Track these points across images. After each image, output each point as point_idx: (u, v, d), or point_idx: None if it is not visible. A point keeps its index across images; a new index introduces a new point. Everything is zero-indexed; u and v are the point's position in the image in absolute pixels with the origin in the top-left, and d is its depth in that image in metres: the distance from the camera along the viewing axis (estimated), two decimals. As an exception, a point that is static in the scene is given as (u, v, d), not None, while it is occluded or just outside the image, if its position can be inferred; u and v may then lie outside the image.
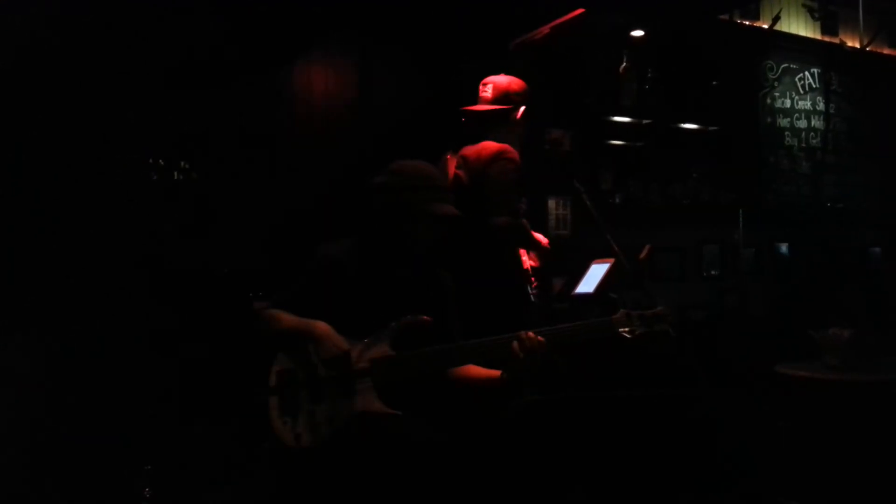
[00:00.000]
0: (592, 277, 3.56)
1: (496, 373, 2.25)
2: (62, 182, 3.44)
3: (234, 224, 3.83)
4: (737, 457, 3.39)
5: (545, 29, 4.20)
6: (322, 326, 2.19)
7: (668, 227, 4.79)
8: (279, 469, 2.23)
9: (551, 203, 4.27)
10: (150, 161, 3.39)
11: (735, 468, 3.36)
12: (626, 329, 2.17)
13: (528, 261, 3.26)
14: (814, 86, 5.66)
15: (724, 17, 5.19)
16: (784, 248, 5.36)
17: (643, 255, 3.49)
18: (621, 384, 3.42)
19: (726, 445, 3.41)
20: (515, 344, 2.15)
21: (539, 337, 2.15)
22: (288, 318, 2.23)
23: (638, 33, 4.63)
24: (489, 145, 2.91)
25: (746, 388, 3.86)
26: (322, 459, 2.15)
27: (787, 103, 5.49)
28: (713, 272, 5.00)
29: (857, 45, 6.01)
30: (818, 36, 5.86)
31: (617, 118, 4.68)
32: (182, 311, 3.53)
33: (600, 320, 2.20)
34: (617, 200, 4.59)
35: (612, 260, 3.40)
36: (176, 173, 3.44)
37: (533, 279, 3.24)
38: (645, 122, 4.78)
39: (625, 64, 4.59)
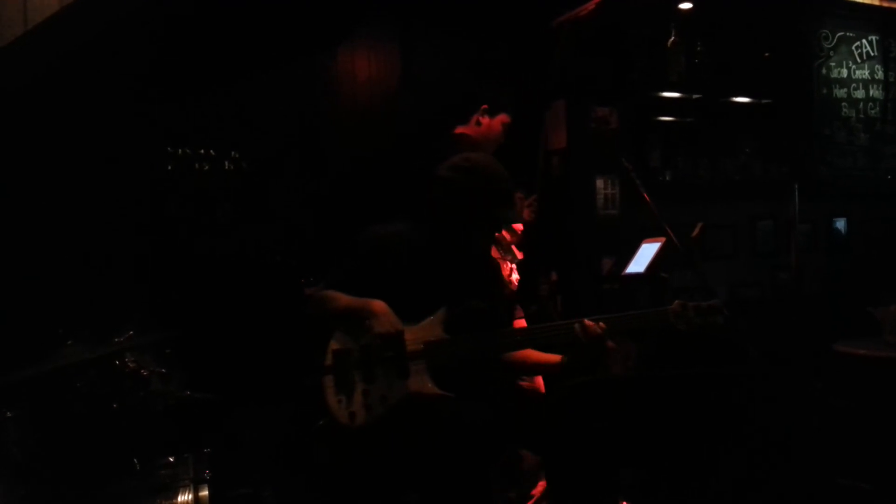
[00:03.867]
0: (643, 257, 3.53)
1: (556, 358, 2.28)
2: (109, 174, 3.53)
3: (283, 212, 3.89)
4: (793, 436, 3.34)
5: (590, 5, 4.14)
6: (379, 304, 2.23)
7: (720, 203, 4.70)
8: (332, 447, 2.29)
9: (599, 182, 4.22)
10: (201, 151, 3.45)
11: (791, 448, 3.32)
12: (682, 321, 2.19)
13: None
14: (872, 54, 5.45)
15: (776, -15, 5.03)
16: (841, 222, 5.21)
17: (695, 233, 3.44)
18: (672, 363, 3.39)
19: (782, 424, 3.36)
20: (577, 327, 2.18)
21: (600, 323, 2.19)
22: (344, 298, 2.27)
23: (685, 5, 4.52)
24: None
25: (802, 366, 3.79)
26: (375, 438, 2.20)
27: (844, 73, 5.30)
28: (767, 249, 4.89)
29: (919, 10, 5.77)
30: (876, 1, 5.63)
31: (665, 93, 4.58)
32: (234, 299, 3.61)
33: (657, 311, 2.23)
34: (666, 178, 4.51)
35: (664, 239, 3.36)
36: (226, 163, 3.51)
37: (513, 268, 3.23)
38: (694, 96, 4.67)
39: (672, 38, 4.49)
